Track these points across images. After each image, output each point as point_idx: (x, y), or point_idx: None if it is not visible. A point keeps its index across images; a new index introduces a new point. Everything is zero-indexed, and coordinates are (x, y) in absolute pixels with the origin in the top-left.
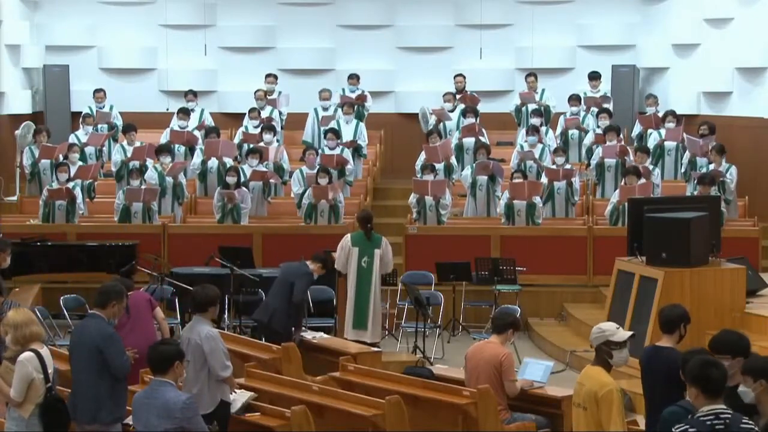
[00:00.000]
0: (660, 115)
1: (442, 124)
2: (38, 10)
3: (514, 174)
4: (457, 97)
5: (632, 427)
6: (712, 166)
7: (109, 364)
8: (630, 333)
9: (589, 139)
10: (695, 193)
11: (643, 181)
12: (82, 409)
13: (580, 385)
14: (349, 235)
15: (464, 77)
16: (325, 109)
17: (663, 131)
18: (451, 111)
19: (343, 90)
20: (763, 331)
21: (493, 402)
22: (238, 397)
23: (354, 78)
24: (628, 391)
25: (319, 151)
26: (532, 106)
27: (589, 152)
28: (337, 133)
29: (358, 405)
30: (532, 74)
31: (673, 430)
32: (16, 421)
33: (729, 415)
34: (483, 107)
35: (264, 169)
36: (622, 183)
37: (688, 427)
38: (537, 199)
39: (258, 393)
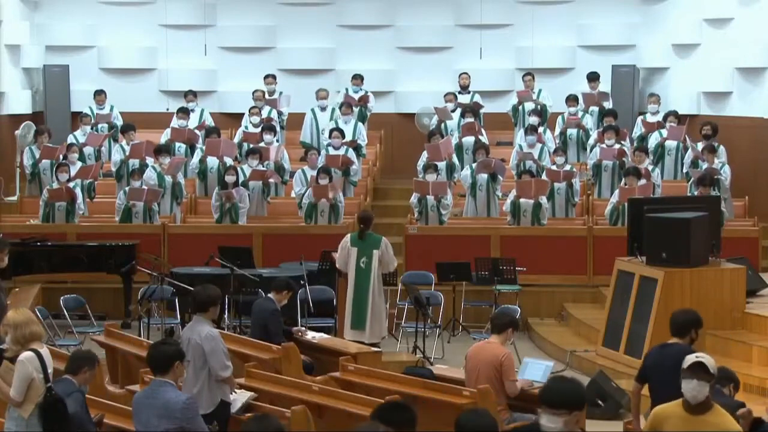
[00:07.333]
0: (661, 117)
1: (443, 124)
2: (38, 10)
3: (522, 175)
4: (461, 94)
5: (628, 427)
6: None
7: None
8: (695, 359)
9: (593, 139)
10: (695, 193)
11: (643, 181)
12: None
13: None
14: (348, 235)
15: (469, 75)
16: (323, 108)
17: (664, 131)
18: (453, 111)
19: (347, 90)
20: (763, 331)
21: (493, 402)
22: (238, 397)
23: (358, 78)
24: (628, 391)
25: (322, 150)
26: (529, 105)
27: (593, 152)
28: (342, 133)
29: (358, 405)
30: (529, 73)
31: None
32: (15, 421)
33: None
34: (483, 107)
35: (264, 169)
36: (622, 184)
37: None
38: (543, 199)
39: (258, 393)
